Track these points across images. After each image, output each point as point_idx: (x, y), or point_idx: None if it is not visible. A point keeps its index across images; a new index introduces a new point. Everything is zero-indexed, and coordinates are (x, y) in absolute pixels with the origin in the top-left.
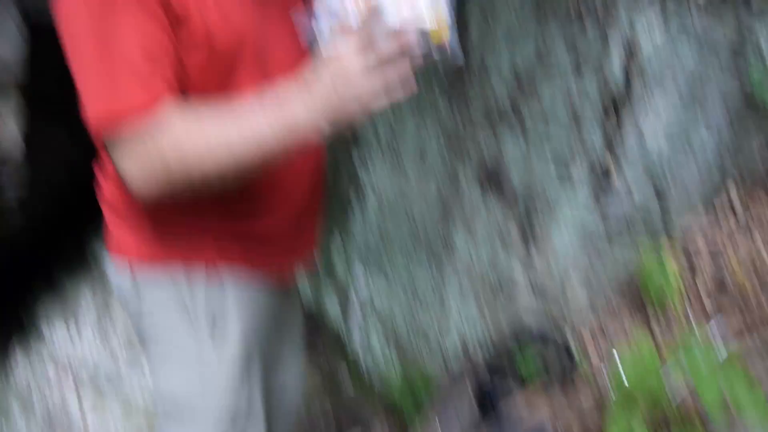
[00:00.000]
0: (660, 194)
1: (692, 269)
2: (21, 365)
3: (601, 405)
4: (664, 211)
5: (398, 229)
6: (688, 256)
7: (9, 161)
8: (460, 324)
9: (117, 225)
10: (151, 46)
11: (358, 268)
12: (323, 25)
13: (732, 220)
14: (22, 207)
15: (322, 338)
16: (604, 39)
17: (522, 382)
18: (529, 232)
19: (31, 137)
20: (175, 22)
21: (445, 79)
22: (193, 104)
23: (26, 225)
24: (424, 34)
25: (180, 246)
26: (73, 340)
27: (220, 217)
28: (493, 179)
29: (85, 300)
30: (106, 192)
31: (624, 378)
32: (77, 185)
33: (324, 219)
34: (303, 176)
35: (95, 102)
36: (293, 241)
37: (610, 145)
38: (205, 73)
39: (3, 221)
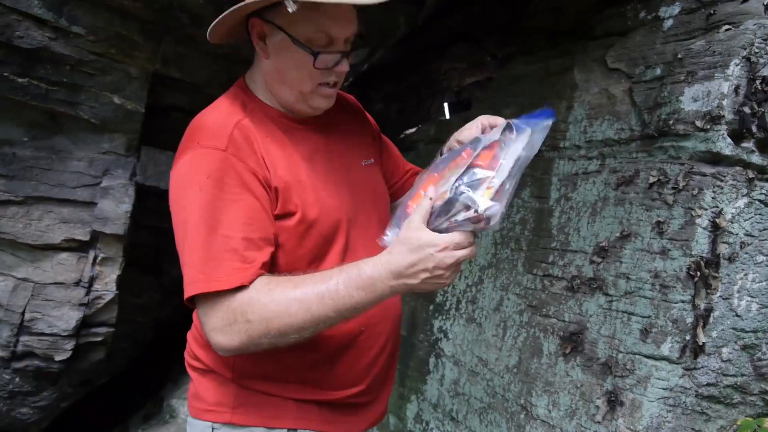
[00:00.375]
0: (757, 369)
1: None
2: None
3: None
4: (763, 386)
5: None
6: None
7: (104, 302)
8: None
9: (202, 386)
10: (252, 231)
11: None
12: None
13: None
14: (108, 350)
15: None
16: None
17: None
18: (616, 403)
19: (125, 284)
20: (282, 216)
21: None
22: (279, 272)
23: (109, 369)
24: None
25: (262, 411)
26: None
27: (302, 385)
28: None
29: None
30: (195, 353)
31: None
32: (161, 338)
33: (401, 382)
34: (382, 353)
35: (194, 272)
36: (369, 408)
37: (699, 316)
38: (303, 249)
39: (88, 362)
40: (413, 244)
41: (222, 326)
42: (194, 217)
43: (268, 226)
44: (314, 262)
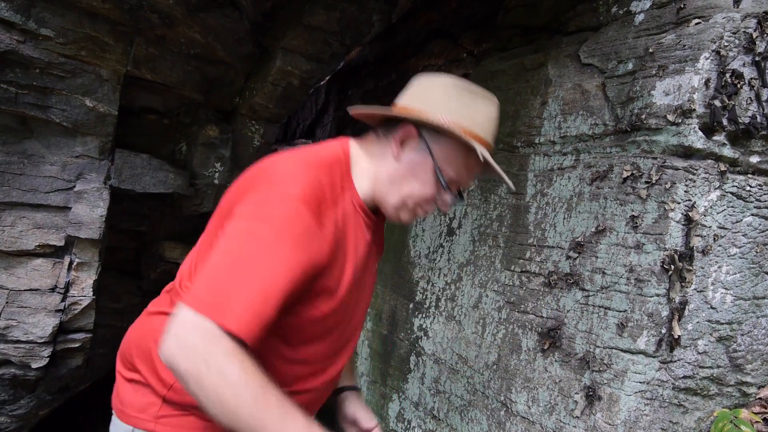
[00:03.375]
0: (733, 360)
1: None
2: None
3: None
4: (739, 377)
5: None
6: None
7: (81, 308)
8: None
9: (128, 394)
10: (284, 296)
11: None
12: None
13: None
14: (86, 356)
15: None
16: (662, 207)
17: None
18: (594, 397)
19: (102, 288)
20: (313, 288)
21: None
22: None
23: (88, 375)
24: None
25: (186, 425)
26: None
27: None
28: (554, 341)
29: None
30: (135, 365)
31: None
32: None
33: (383, 381)
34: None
35: (216, 292)
36: None
37: (675, 310)
38: (315, 330)
39: (66, 369)
40: None
41: (188, 345)
42: (255, 247)
43: (289, 297)
44: (286, 341)
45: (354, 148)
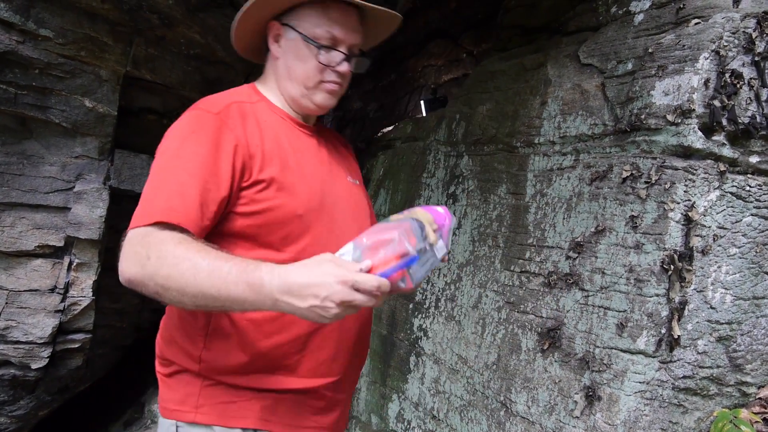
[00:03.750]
0: (732, 360)
1: None
2: None
3: None
4: (739, 377)
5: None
6: None
7: (81, 308)
8: None
9: (169, 388)
10: (208, 185)
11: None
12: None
13: None
14: (86, 357)
15: None
16: (662, 208)
17: None
18: (594, 398)
19: (102, 289)
20: (257, 182)
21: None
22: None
23: (88, 375)
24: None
25: (226, 411)
26: None
27: (272, 374)
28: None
29: None
30: (163, 353)
31: None
32: (142, 342)
33: (383, 382)
34: (349, 348)
35: (136, 212)
36: (333, 411)
37: (674, 310)
38: (267, 227)
39: (66, 369)
40: (316, 265)
41: (130, 252)
42: (164, 160)
43: (223, 192)
44: (270, 235)
45: (258, 80)
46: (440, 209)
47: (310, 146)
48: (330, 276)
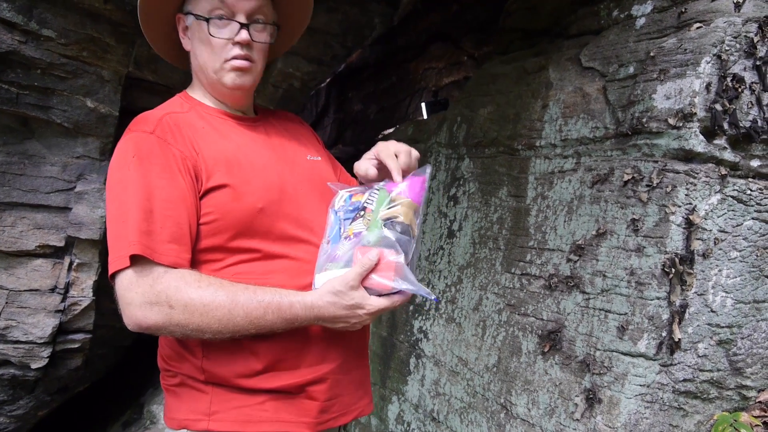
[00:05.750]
0: (733, 363)
1: None
2: None
3: None
4: (739, 381)
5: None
6: None
7: (81, 308)
8: None
9: (177, 400)
10: (185, 217)
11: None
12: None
13: None
14: (85, 357)
15: None
16: (663, 211)
17: None
18: (594, 400)
19: (102, 289)
20: (211, 189)
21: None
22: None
23: (87, 376)
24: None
25: (239, 416)
26: None
27: (277, 372)
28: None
29: None
30: (167, 365)
31: None
32: (141, 343)
33: (383, 383)
34: (348, 334)
35: (126, 244)
36: (342, 402)
37: (675, 313)
38: (229, 221)
39: (65, 369)
40: (346, 303)
41: (141, 303)
42: (127, 194)
43: (194, 215)
44: (238, 237)
45: (188, 88)
46: (399, 179)
47: (255, 138)
48: (358, 309)
